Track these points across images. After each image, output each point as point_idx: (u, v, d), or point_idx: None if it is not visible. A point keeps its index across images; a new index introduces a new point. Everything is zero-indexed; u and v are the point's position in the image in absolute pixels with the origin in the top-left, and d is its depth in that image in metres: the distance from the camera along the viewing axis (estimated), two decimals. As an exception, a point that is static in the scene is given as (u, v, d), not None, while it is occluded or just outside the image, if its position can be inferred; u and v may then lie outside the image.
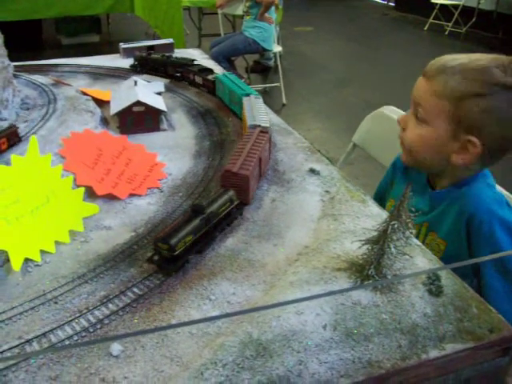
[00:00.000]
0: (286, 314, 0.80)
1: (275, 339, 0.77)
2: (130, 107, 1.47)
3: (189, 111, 1.67)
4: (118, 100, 1.54)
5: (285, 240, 1.02)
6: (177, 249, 0.91)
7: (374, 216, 1.09)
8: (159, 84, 1.71)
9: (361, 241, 0.87)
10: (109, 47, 6.40)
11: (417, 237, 1.26)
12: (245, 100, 1.50)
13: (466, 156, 1.18)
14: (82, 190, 1.09)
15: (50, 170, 1.10)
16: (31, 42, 6.61)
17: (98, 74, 2.05)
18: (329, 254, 0.96)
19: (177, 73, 1.96)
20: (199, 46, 5.98)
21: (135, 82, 1.59)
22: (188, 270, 0.94)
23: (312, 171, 1.27)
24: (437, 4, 8.53)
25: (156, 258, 0.95)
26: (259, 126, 1.32)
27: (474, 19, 8.30)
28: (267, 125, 1.33)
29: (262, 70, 6.12)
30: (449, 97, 1.15)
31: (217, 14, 5.66)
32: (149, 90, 1.59)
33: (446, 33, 8.38)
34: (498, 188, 1.32)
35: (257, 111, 1.40)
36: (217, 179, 1.22)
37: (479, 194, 1.20)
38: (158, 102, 1.54)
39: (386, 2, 11.27)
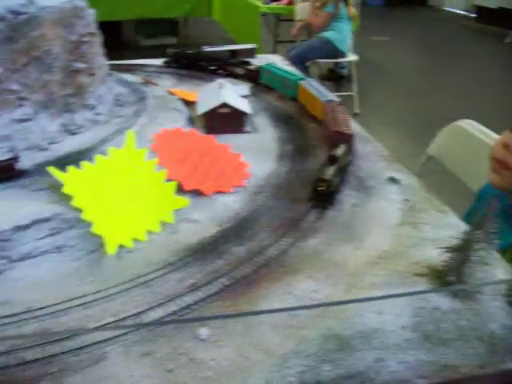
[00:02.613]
0: (367, 312, 0.84)
1: (355, 335, 0.81)
2: (216, 108, 1.53)
3: (271, 115, 1.72)
4: (205, 101, 1.60)
5: (365, 243, 1.05)
6: (333, 184, 1.17)
7: (453, 226, 1.10)
8: (244, 87, 1.77)
9: (443, 248, 0.89)
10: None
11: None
12: (303, 83, 1.73)
13: None
14: (174, 183, 1.15)
15: (145, 164, 1.17)
16: (112, 42, 6.86)
17: (182, 75, 2.13)
18: (409, 259, 0.98)
19: (211, 66, 2.15)
20: (274, 53, 6.04)
21: (221, 85, 1.65)
22: (272, 266, 0.98)
23: (392, 179, 1.29)
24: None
25: (313, 195, 1.18)
26: (332, 100, 1.56)
27: (559, 33, 8.00)
28: (337, 99, 1.59)
29: (336, 78, 6.12)
30: None
31: (293, 21, 5.70)
32: (234, 93, 1.65)
33: (529, 47, 8.11)
34: None
35: (321, 90, 1.66)
36: (301, 183, 1.27)
37: None
38: (244, 105, 1.59)
39: (466, 13, 11.01)
